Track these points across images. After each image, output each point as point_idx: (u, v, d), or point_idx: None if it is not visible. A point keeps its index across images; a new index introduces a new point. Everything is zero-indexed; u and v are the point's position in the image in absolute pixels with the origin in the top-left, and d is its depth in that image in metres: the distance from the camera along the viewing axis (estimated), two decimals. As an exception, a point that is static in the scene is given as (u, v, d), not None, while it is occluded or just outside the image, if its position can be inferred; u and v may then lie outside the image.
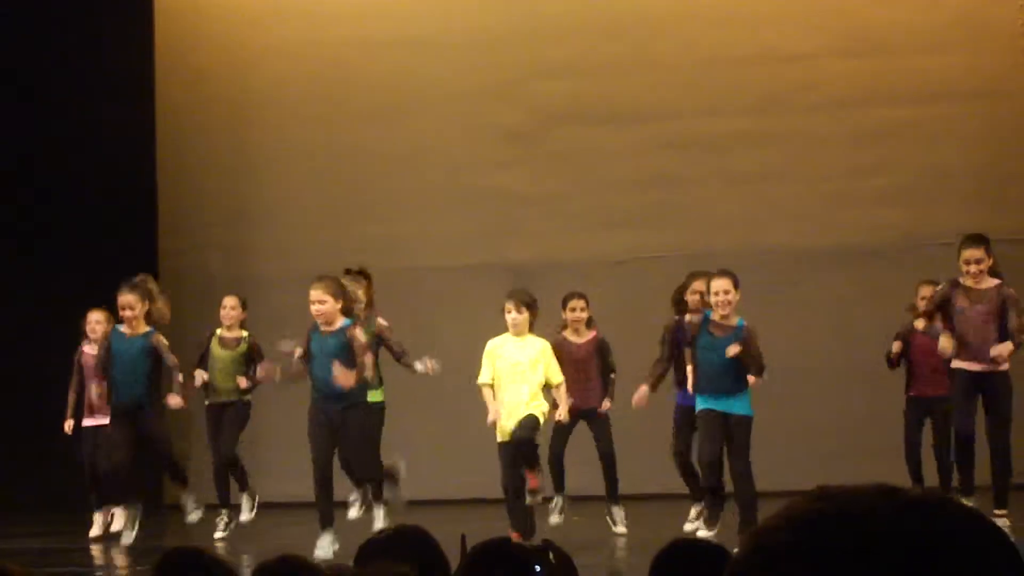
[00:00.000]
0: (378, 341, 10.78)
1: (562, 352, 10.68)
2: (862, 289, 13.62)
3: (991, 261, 9.78)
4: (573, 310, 11.02)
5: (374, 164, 14.50)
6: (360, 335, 10.06)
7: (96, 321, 11.71)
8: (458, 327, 13.08)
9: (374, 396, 10.65)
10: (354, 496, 10.41)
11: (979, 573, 1.17)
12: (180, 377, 10.86)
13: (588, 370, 10.98)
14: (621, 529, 10.94)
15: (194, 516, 11.07)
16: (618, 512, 11.02)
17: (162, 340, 10.75)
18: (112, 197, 14.25)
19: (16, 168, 14.29)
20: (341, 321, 10.02)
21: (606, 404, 10.97)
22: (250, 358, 11.65)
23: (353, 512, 10.37)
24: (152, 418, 10.63)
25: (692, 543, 3.13)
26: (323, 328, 10.01)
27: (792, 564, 1.18)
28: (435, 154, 14.36)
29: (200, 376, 11.56)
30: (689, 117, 14.11)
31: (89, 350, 11.70)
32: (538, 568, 3.04)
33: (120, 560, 10.49)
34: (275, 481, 12.69)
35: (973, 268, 9.68)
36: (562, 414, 10.17)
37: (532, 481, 10.06)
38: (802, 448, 13.25)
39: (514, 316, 10.06)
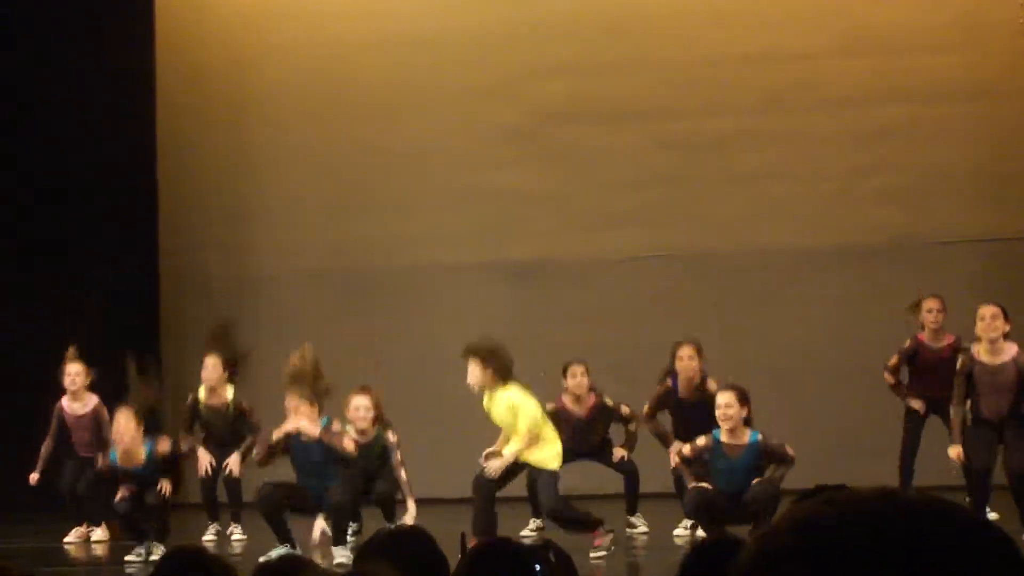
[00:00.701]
0: (383, 454, 10.60)
1: (561, 420, 10.55)
2: (862, 289, 13.62)
3: (1008, 327, 9.76)
4: (574, 376, 10.78)
5: (374, 163, 14.49)
6: (335, 429, 9.91)
7: (76, 373, 11.37)
8: (457, 326, 13.05)
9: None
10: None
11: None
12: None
13: (590, 435, 10.88)
14: (643, 529, 10.91)
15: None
16: (637, 519, 11.01)
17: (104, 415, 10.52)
18: (112, 196, 14.23)
19: (15, 167, 14.28)
20: (319, 425, 9.89)
21: (618, 453, 10.86)
22: (239, 419, 11.37)
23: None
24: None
25: (725, 539, 3.12)
26: (304, 437, 9.86)
27: (795, 567, 1.18)
28: (435, 153, 14.36)
29: (202, 456, 11.43)
30: (689, 116, 14.11)
31: (68, 405, 11.47)
32: (538, 567, 3.04)
33: (121, 560, 10.48)
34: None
35: (988, 323, 9.67)
36: (490, 469, 9.89)
37: (597, 540, 9.81)
38: (801, 447, 13.18)
39: (468, 378, 9.88)
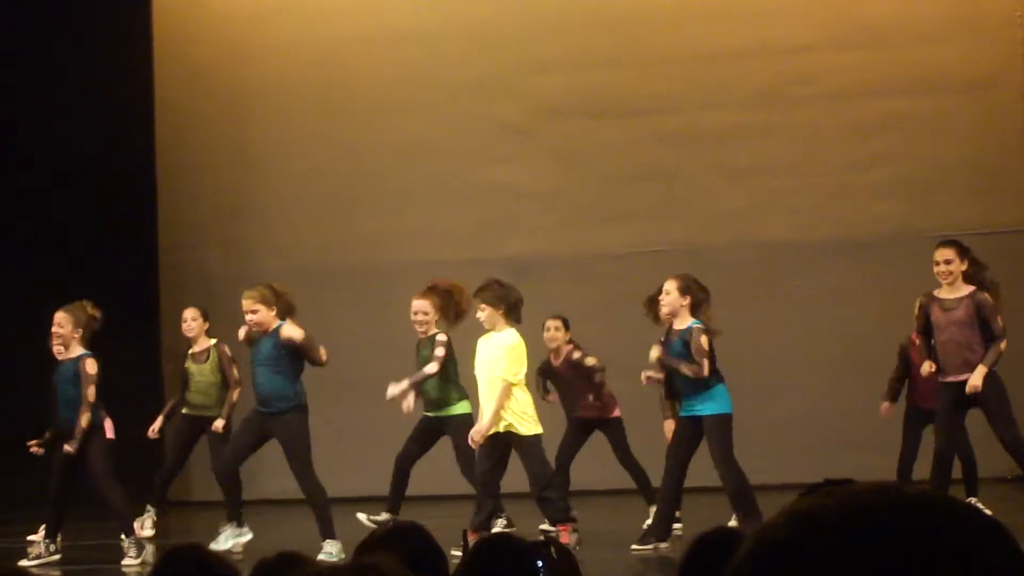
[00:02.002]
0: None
1: (545, 373, 11.12)
2: (860, 282, 13.62)
3: (964, 266, 9.71)
4: (547, 330, 11.08)
5: (372, 159, 14.49)
6: (290, 331, 9.94)
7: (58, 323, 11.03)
8: (457, 322, 13.06)
9: (463, 407, 10.54)
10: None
11: (982, 570, 1.17)
12: (83, 420, 10.14)
13: (566, 389, 11.05)
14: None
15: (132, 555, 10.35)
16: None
17: (87, 368, 10.18)
18: (111, 193, 14.24)
19: (15, 164, 14.28)
20: (275, 324, 9.96)
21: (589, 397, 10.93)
22: (222, 367, 11.43)
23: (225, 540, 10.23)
24: (90, 447, 10.23)
25: (726, 533, 3.12)
26: (257, 334, 10.02)
27: (795, 560, 1.18)
28: (433, 149, 14.36)
29: (154, 431, 11.45)
30: (687, 110, 14.11)
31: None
32: (540, 563, 3.04)
33: (120, 558, 10.47)
34: (274, 478, 12.68)
35: (942, 268, 9.66)
36: (473, 436, 9.88)
37: (563, 537, 9.68)
38: (800, 440, 13.26)
39: (479, 315, 10.02)
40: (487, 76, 14.33)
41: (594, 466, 11.22)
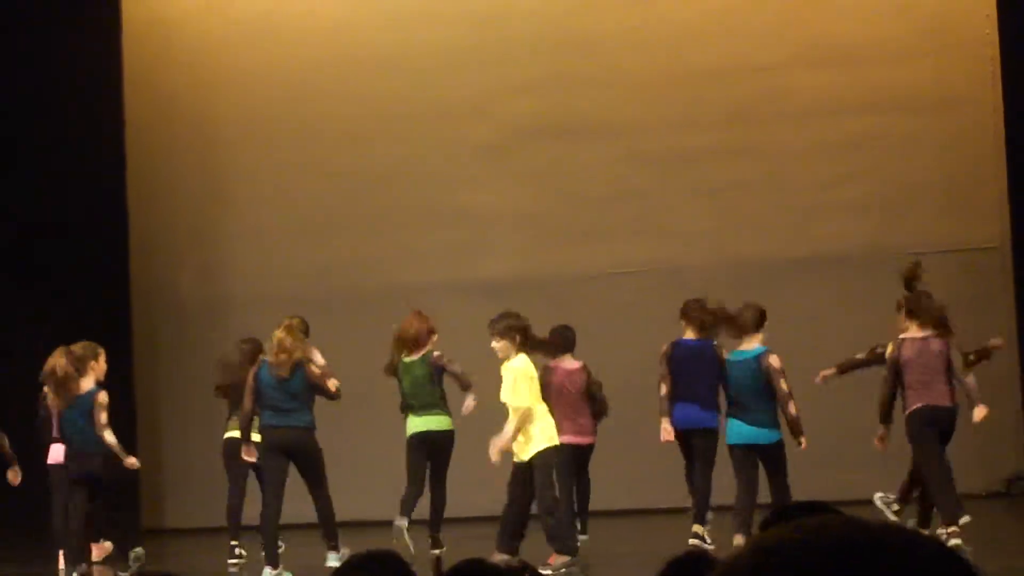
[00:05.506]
0: (438, 371, 10.82)
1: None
2: (834, 299, 13.65)
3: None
4: None
5: (345, 184, 14.48)
6: (317, 359, 10.24)
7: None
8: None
9: (446, 424, 10.71)
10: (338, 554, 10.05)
11: None
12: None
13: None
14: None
15: None
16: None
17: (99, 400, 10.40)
18: (82, 218, 14.19)
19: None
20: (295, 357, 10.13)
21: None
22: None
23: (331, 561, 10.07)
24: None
25: (699, 555, 3.11)
26: (280, 369, 10.05)
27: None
28: (406, 173, 14.36)
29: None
30: (659, 131, 14.14)
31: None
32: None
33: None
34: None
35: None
36: (491, 454, 9.78)
37: (551, 557, 9.76)
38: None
39: (493, 345, 9.96)
40: (459, 99, 14.34)
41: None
